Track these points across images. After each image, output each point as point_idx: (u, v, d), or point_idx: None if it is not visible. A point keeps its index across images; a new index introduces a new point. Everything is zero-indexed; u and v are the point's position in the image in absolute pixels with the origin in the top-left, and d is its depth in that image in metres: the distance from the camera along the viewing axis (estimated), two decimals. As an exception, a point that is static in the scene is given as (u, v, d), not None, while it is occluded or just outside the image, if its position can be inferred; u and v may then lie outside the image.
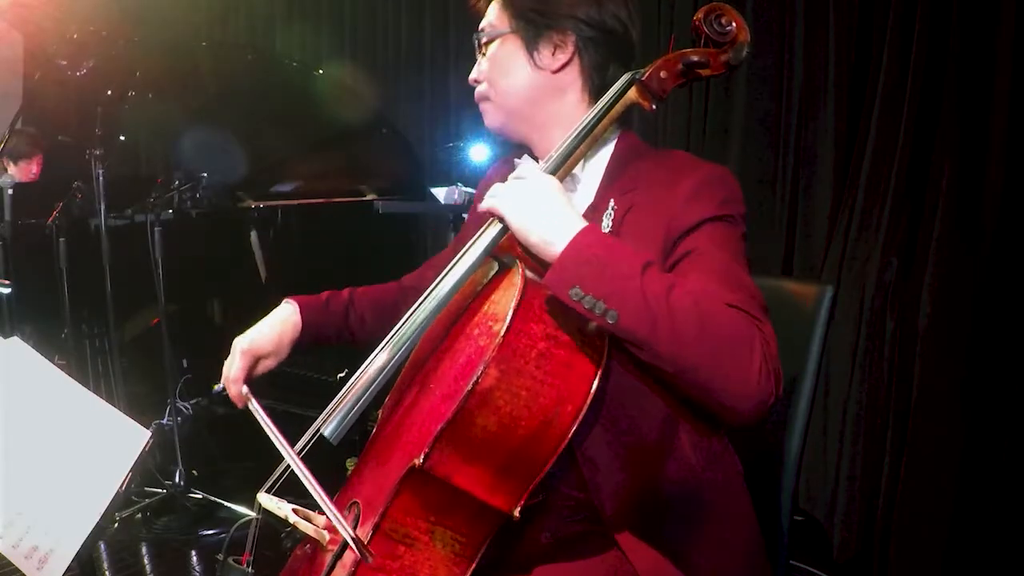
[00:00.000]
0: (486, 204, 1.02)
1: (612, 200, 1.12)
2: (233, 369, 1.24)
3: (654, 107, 1.09)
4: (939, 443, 2.10)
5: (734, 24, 1.06)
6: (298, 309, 1.31)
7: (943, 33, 2.10)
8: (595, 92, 1.15)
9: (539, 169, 1.07)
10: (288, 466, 1.10)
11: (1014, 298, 2.00)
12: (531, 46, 1.15)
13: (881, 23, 2.26)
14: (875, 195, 2.28)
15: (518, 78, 1.16)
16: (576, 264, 0.92)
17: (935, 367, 2.11)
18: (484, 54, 1.20)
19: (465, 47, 3.35)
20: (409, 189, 3.57)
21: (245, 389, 1.22)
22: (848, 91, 2.37)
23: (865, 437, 2.28)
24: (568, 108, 1.17)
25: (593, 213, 1.13)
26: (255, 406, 1.18)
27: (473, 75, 1.22)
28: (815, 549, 2.35)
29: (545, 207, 0.98)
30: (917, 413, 2.14)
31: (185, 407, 3.41)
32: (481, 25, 1.21)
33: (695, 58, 1.07)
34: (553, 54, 1.15)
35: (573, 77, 1.17)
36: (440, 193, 3.24)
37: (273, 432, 1.10)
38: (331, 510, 0.97)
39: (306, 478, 1.02)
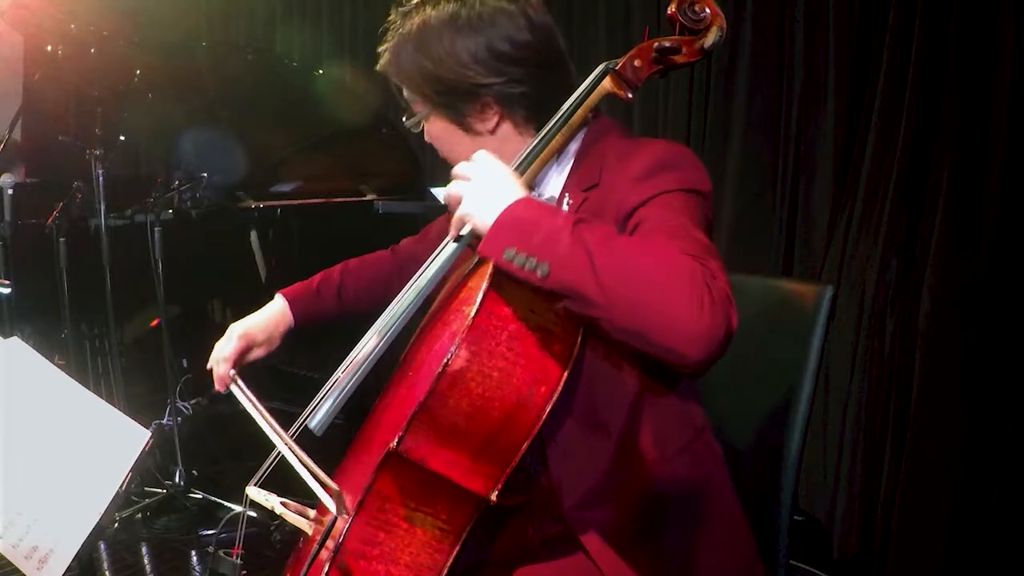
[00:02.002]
0: (455, 214, 1.01)
1: (567, 194, 1.11)
2: (227, 349, 1.30)
3: (630, 96, 1.08)
4: (939, 443, 2.10)
5: (708, 10, 1.06)
6: (287, 304, 1.37)
7: (943, 33, 2.10)
8: (542, 117, 1.13)
9: (514, 162, 1.06)
10: (278, 454, 1.11)
11: (1014, 298, 2.00)
12: (459, 120, 1.15)
13: (881, 23, 2.25)
14: (875, 195, 2.28)
15: (463, 148, 1.14)
16: (507, 228, 0.90)
17: (935, 367, 2.11)
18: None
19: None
20: (409, 189, 3.56)
21: (233, 371, 1.28)
22: (848, 91, 2.37)
23: (865, 437, 2.28)
24: (524, 139, 1.14)
25: None
26: (240, 387, 1.23)
27: (427, 137, 1.22)
28: (815, 549, 2.35)
29: (488, 193, 0.95)
30: (917, 413, 2.13)
31: (185, 407, 3.41)
32: (406, 97, 1.20)
33: (668, 44, 1.07)
34: (483, 116, 1.14)
35: (513, 123, 1.15)
36: (440, 193, 3.23)
37: (260, 414, 1.13)
38: (319, 480, 0.98)
39: (295, 457, 1.03)
